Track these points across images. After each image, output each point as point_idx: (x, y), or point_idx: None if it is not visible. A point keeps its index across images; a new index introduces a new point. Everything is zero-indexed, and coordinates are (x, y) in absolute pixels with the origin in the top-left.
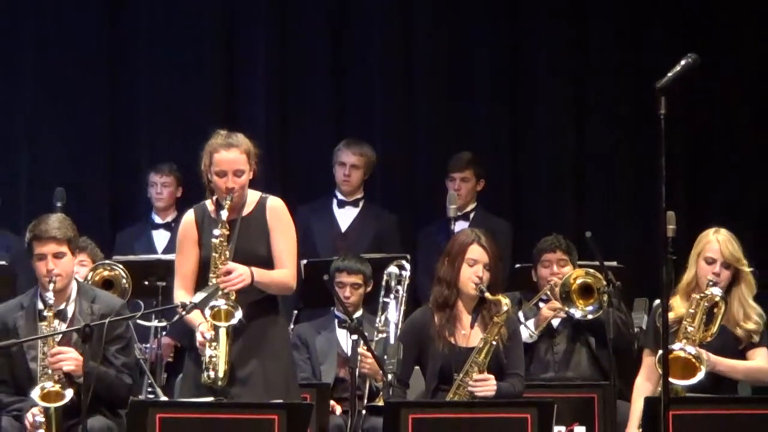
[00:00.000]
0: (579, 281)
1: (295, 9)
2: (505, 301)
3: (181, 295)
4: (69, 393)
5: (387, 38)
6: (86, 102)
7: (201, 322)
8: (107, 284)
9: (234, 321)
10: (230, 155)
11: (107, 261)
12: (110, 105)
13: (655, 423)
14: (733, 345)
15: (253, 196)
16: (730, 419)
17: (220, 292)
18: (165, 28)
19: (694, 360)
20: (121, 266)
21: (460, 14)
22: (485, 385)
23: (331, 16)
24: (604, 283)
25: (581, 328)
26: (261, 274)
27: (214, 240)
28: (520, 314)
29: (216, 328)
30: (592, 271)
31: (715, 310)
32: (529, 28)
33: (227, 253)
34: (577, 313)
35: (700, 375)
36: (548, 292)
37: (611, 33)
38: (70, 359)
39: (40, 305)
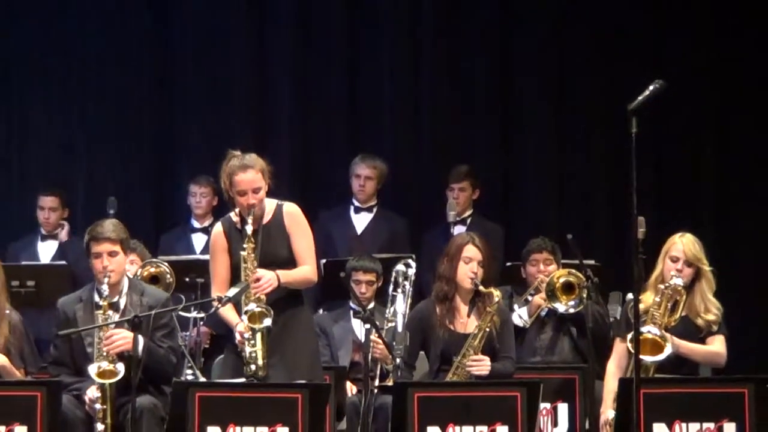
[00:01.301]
0: (562, 280)
1: (315, 45)
2: (497, 293)
3: (217, 292)
4: (121, 371)
5: (396, 68)
6: (134, 121)
7: (238, 322)
8: (154, 280)
9: (267, 323)
10: (248, 176)
11: (154, 260)
12: (155, 123)
13: (628, 400)
14: (694, 333)
15: (270, 205)
16: (693, 396)
17: (249, 289)
18: (202, 52)
19: (660, 340)
20: (166, 264)
21: (459, 45)
22: (480, 365)
23: (347, 49)
24: (584, 280)
25: (564, 319)
26: (286, 276)
27: (242, 252)
28: (515, 305)
29: (252, 330)
30: (574, 271)
31: (678, 298)
32: (518, 56)
33: (255, 262)
34: (561, 308)
35: (667, 351)
36: (538, 286)
37: (589, 60)
38: (122, 338)
39: (97, 298)
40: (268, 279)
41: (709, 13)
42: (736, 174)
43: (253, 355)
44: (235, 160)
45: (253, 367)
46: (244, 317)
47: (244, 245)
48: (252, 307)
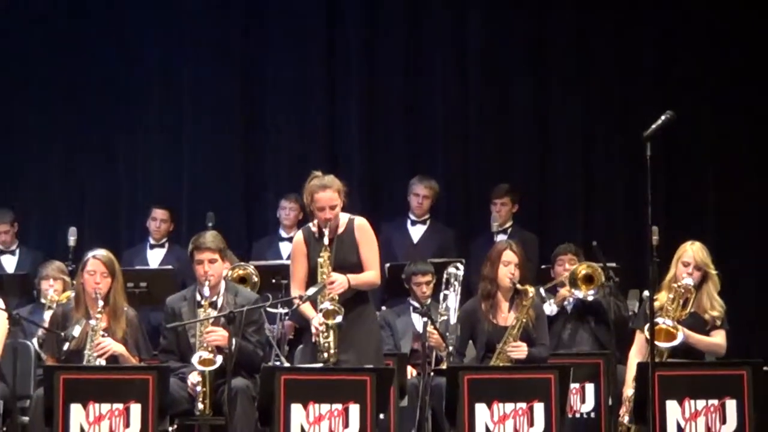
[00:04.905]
0: (583, 272)
1: (379, 84)
2: (531, 290)
3: (298, 292)
4: (219, 360)
5: (447, 102)
6: (229, 149)
7: (314, 316)
8: (242, 280)
9: (338, 320)
10: (326, 195)
11: (242, 263)
12: (246, 151)
13: (645, 381)
14: (701, 326)
15: (343, 218)
16: (700, 377)
17: (326, 290)
18: (286, 91)
19: (672, 329)
20: (252, 267)
21: (501, 82)
22: (519, 350)
23: (406, 87)
24: (604, 276)
25: (585, 313)
26: (355, 279)
27: (320, 259)
28: (544, 295)
29: (326, 325)
30: (593, 264)
31: (689, 296)
32: (552, 87)
33: (330, 267)
34: (581, 295)
35: (679, 339)
36: (563, 281)
37: (610, 94)
38: (219, 335)
39: (198, 297)
40: (341, 281)
41: (711, 46)
42: (733, 191)
43: (326, 345)
44: (316, 180)
45: (325, 355)
46: (320, 313)
47: (322, 253)
48: (326, 305)
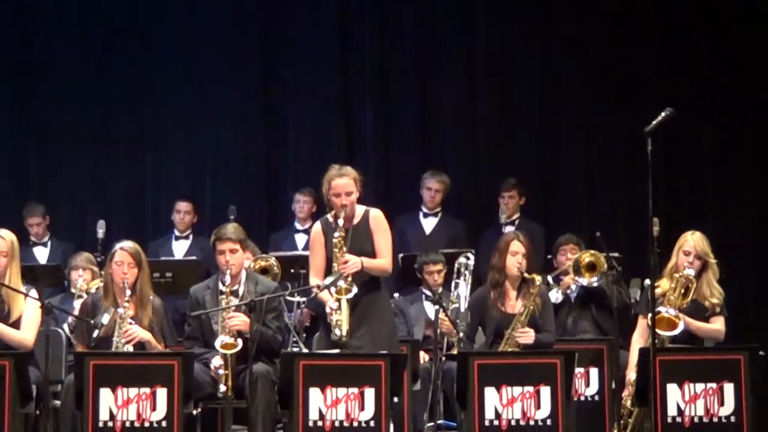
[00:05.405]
0: (587, 260)
1: (392, 83)
2: (538, 278)
3: (315, 281)
4: (240, 344)
5: (457, 100)
6: (249, 147)
7: (329, 299)
8: (264, 271)
9: (350, 295)
10: (342, 181)
11: (264, 255)
12: (265, 148)
13: (647, 365)
14: (702, 312)
15: (360, 210)
16: (699, 362)
17: (340, 277)
18: (303, 90)
19: (674, 318)
20: (274, 258)
21: (509, 82)
22: (526, 335)
23: (418, 86)
24: (605, 262)
25: (588, 300)
26: (368, 262)
27: (334, 239)
28: (550, 280)
29: (339, 300)
30: (596, 252)
31: (690, 285)
32: (556, 93)
33: (344, 248)
34: (585, 282)
35: (679, 328)
36: (567, 269)
37: (614, 93)
38: (241, 320)
39: (221, 286)
40: (354, 261)
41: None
42: (730, 183)
43: (339, 322)
44: (334, 169)
45: (338, 332)
46: (333, 290)
47: (336, 234)
48: (340, 283)
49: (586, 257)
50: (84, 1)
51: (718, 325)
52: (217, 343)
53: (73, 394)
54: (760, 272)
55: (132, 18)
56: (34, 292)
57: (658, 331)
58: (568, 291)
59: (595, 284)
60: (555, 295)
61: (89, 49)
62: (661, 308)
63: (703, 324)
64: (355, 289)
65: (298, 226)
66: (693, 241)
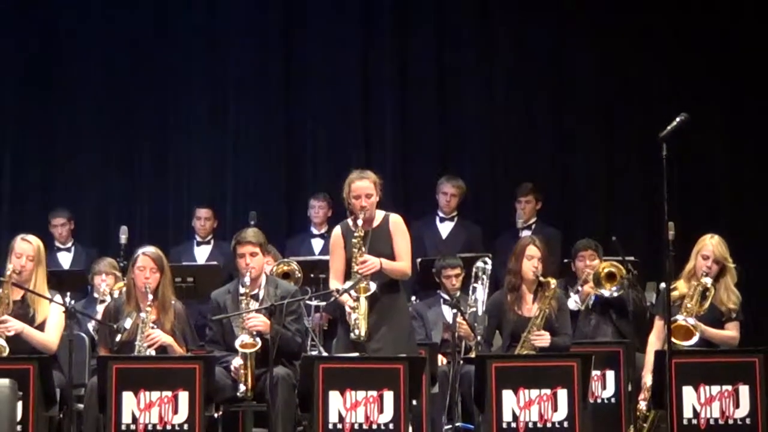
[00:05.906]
0: (606, 270)
1: (412, 91)
2: (553, 282)
3: (335, 283)
4: (259, 343)
5: (476, 109)
6: (269, 154)
7: (348, 301)
8: (285, 276)
9: (370, 293)
10: (362, 184)
11: (286, 260)
12: (286, 157)
13: (662, 368)
14: (718, 317)
15: (379, 214)
16: (714, 364)
17: (360, 280)
18: (324, 98)
19: (691, 327)
20: (295, 263)
21: (524, 95)
22: (542, 338)
23: (438, 93)
24: (625, 272)
25: (607, 306)
26: (387, 263)
27: (353, 240)
28: (570, 292)
29: (358, 299)
30: (615, 263)
31: (707, 293)
32: (571, 101)
33: (363, 249)
34: (606, 292)
35: (696, 338)
36: (586, 278)
37: (628, 101)
38: (260, 321)
39: (241, 290)
40: (372, 262)
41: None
42: (746, 187)
43: (357, 321)
44: (355, 172)
45: (356, 332)
46: (353, 290)
47: (355, 234)
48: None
49: (606, 267)
50: (111, 23)
51: (733, 332)
52: (237, 343)
53: (96, 397)
54: None
55: (156, 25)
56: (58, 297)
57: (674, 341)
58: (588, 299)
59: (616, 294)
60: (576, 305)
61: (115, 55)
62: (678, 316)
63: (719, 332)
64: (373, 287)
65: (314, 231)
66: (712, 245)
